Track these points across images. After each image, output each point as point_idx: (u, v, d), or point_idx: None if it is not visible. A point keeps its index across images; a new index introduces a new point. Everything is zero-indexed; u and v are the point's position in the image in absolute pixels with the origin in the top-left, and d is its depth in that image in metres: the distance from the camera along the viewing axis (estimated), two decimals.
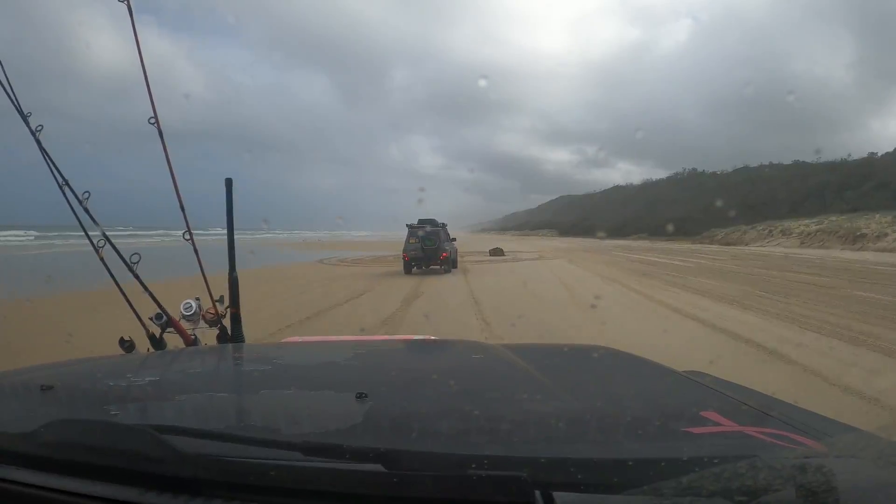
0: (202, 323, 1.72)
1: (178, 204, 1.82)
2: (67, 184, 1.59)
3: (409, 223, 14.81)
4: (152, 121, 1.77)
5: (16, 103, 1.56)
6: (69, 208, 1.60)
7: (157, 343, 1.63)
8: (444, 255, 14.16)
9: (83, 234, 1.63)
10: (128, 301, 1.64)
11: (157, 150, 1.78)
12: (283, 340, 1.68)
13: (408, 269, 14.06)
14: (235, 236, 1.80)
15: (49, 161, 1.58)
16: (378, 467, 0.58)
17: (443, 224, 14.98)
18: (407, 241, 14.45)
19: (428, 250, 13.94)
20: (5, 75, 1.52)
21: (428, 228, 14.30)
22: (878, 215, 32.02)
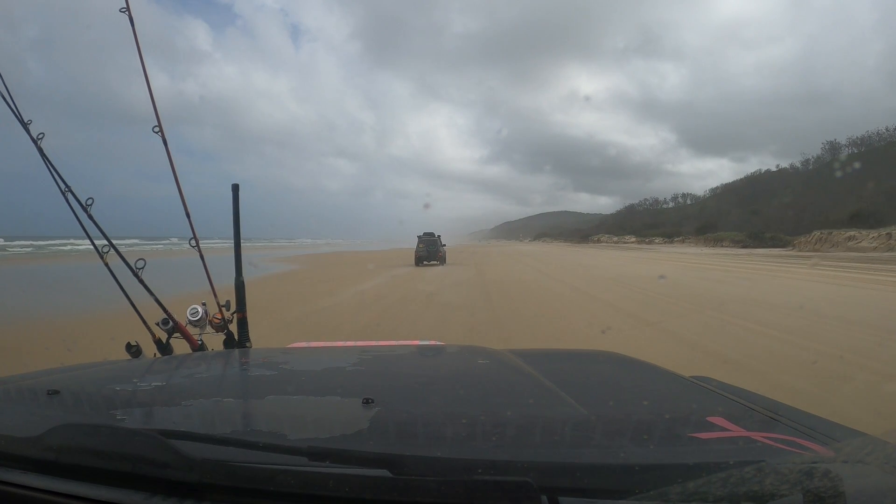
0: (209, 328, 1.73)
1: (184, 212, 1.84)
2: (70, 190, 1.58)
3: (418, 234, 23.46)
4: (156, 129, 1.78)
5: (16, 111, 1.55)
6: (73, 215, 1.59)
7: (164, 348, 1.64)
8: (440, 254, 22.83)
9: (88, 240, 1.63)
10: (134, 306, 1.65)
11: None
12: (289, 346, 1.69)
13: (417, 263, 21.70)
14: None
15: (51, 168, 1.57)
16: (384, 472, 0.58)
17: (438, 235, 23.44)
18: (417, 245, 22.81)
19: (430, 252, 22.59)
20: (4, 84, 1.52)
21: (426, 238, 23.00)
22: None
